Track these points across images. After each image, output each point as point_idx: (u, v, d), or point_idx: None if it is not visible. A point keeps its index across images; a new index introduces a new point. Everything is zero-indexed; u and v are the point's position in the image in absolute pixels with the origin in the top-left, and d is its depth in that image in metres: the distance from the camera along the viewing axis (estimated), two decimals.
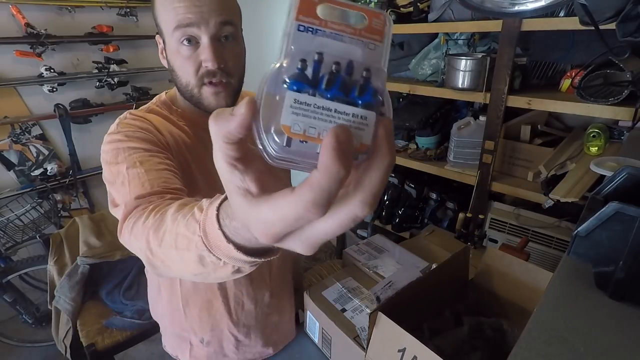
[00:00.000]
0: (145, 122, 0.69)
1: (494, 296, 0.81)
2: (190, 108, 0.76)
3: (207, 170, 0.73)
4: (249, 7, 2.66)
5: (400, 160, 1.93)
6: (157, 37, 0.71)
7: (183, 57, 0.66)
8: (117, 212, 0.60)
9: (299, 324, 0.97)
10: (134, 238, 0.51)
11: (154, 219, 0.48)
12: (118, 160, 0.63)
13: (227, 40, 0.67)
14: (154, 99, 0.80)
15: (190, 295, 0.79)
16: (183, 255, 0.40)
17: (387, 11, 1.79)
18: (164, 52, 0.71)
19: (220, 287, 0.79)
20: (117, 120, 0.70)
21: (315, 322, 0.84)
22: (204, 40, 0.64)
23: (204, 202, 0.38)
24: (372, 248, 1.01)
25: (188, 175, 0.70)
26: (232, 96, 0.71)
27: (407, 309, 0.75)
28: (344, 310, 0.80)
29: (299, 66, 0.23)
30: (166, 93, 0.81)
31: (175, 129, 0.72)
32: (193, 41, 0.65)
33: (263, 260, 0.33)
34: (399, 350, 0.62)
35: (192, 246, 0.37)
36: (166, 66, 0.72)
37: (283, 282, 0.89)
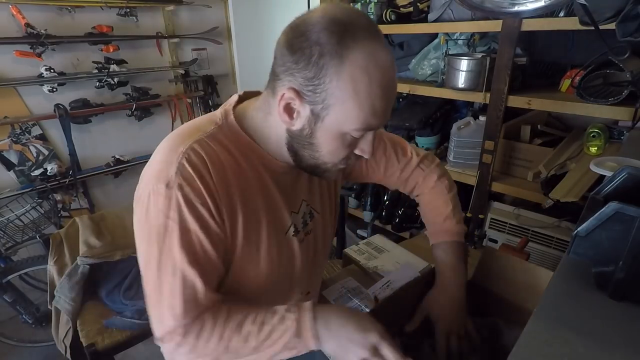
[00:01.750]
0: (208, 173, 0.58)
1: (493, 296, 0.81)
2: (267, 146, 0.64)
3: (254, 222, 0.65)
4: (249, 7, 2.66)
5: None
6: (291, 92, 0.55)
7: (342, 145, 0.59)
8: (161, 317, 0.59)
9: None
10: (202, 342, 0.58)
11: (230, 325, 0.59)
12: (166, 244, 0.57)
13: None
14: (219, 114, 0.65)
15: None
16: (268, 347, 0.57)
17: (387, 11, 1.80)
18: (298, 115, 0.57)
19: None
20: (175, 158, 0.57)
21: None
22: (370, 134, 0.60)
23: (286, 308, 0.59)
24: (372, 248, 1.01)
25: (236, 230, 0.63)
26: None
27: (405, 309, 0.75)
28: None
29: None
30: (234, 108, 0.66)
31: (236, 169, 0.62)
32: (361, 134, 0.59)
33: None
34: None
35: (286, 340, 0.57)
36: (289, 127, 0.59)
37: None
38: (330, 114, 0.55)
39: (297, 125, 0.58)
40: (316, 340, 0.57)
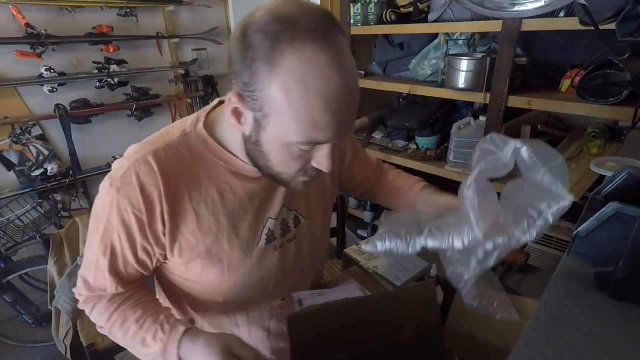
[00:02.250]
0: (152, 183, 0.59)
1: (472, 340, 0.74)
2: (237, 150, 0.63)
3: (215, 231, 0.65)
4: (249, 7, 2.67)
5: (401, 161, 1.93)
6: (234, 96, 0.53)
7: (291, 156, 0.55)
8: (85, 281, 0.68)
9: None
10: (95, 314, 0.69)
11: (117, 315, 0.67)
12: (94, 229, 0.64)
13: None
14: (190, 121, 0.64)
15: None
16: (140, 349, 0.65)
17: (387, 11, 1.80)
18: (242, 118, 0.55)
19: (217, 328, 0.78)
20: (127, 163, 0.59)
21: None
22: (325, 147, 0.54)
23: (164, 323, 0.64)
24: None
25: (183, 241, 0.64)
26: None
27: (334, 331, 0.64)
28: None
29: None
30: (208, 114, 0.65)
31: (195, 180, 0.62)
32: (312, 147, 0.54)
33: None
34: None
35: (153, 344, 0.63)
36: (240, 131, 0.57)
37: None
38: (270, 123, 0.51)
39: (246, 130, 0.56)
40: None
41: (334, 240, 1.64)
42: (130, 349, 0.68)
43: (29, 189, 1.94)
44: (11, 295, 1.72)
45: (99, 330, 0.70)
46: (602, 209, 0.45)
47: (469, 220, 0.51)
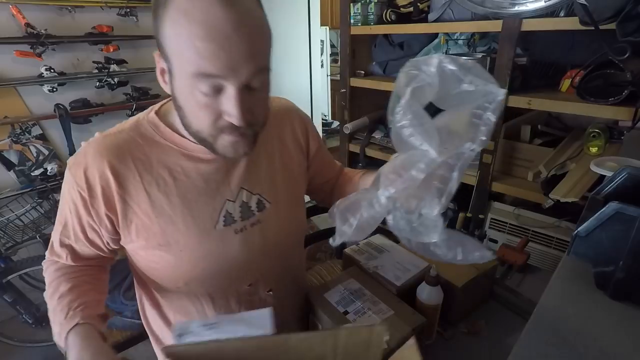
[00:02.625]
0: (102, 165, 0.62)
1: None
2: (185, 133, 0.65)
3: (167, 216, 0.66)
4: None
5: None
6: (157, 55, 0.57)
7: (197, 102, 0.55)
8: (50, 243, 0.74)
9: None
10: (45, 276, 0.74)
11: (54, 284, 0.71)
12: (60, 210, 0.70)
13: (257, 86, 0.56)
14: (143, 113, 0.69)
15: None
16: (53, 325, 0.68)
17: (387, 11, 1.80)
18: (165, 75, 0.58)
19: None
20: (85, 145, 0.65)
21: (317, 326, 0.84)
22: (230, 91, 0.53)
23: (73, 309, 0.66)
24: (372, 248, 1.00)
25: (132, 224, 0.66)
26: (252, 143, 0.62)
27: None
28: (346, 312, 0.79)
29: None
30: (161, 107, 0.69)
31: (146, 161, 0.65)
32: (214, 89, 0.53)
33: None
34: None
35: (56, 325, 0.67)
36: (167, 91, 0.60)
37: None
38: (174, 67, 0.54)
39: (168, 88, 0.59)
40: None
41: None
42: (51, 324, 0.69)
43: (29, 189, 1.94)
44: (11, 295, 1.72)
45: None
46: (602, 209, 0.45)
47: (417, 147, 0.48)
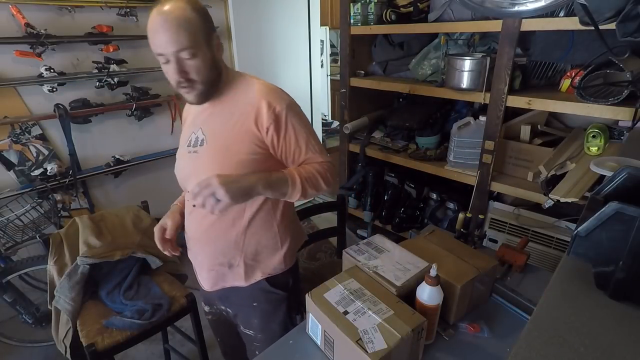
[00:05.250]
0: None
1: None
2: None
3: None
4: (249, 7, 2.66)
5: (400, 160, 1.93)
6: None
7: (164, 71, 0.88)
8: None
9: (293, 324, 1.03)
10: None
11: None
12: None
13: (188, 58, 0.84)
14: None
15: None
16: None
17: (387, 11, 1.80)
18: None
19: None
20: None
21: (317, 325, 0.84)
22: (171, 61, 0.84)
23: None
24: (372, 248, 1.00)
25: None
26: (200, 93, 0.90)
27: None
28: (346, 312, 0.79)
29: None
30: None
31: None
32: (164, 61, 0.85)
33: None
34: None
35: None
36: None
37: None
38: None
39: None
40: None
41: (334, 240, 1.64)
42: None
43: (29, 189, 1.93)
44: (11, 295, 1.72)
45: None
46: (602, 209, 0.45)
47: None
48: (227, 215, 0.98)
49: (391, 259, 0.95)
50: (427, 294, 0.81)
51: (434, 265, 0.81)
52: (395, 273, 0.90)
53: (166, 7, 0.82)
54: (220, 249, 1.01)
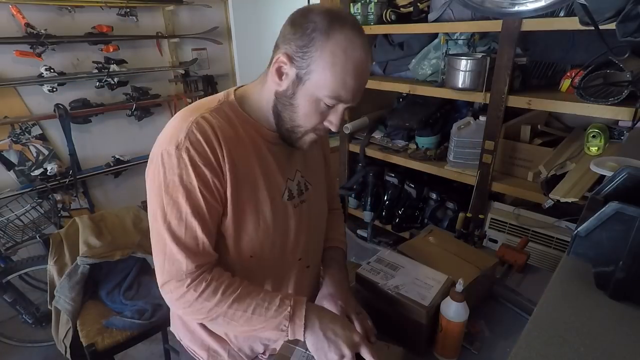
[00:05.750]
0: (216, 139, 0.69)
1: None
2: (259, 118, 0.76)
3: (253, 185, 0.75)
4: (249, 7, 2.66)
5: (400, 160, 1.93)
6: (285, 57, 0.67)
7: (315, 110, 0.70)
8: (163, 266, 0.69)
9: None
10: (203, 299, 0.68)
11: (236, 292, 0.70)
12: (173, 197, 0.67)
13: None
14: (221, 95, 0.77)
15: None
16: (260, 322, 0.69)
17: (387, 11, 1.80)
18: (284, 76, 0.70)
19: None
20: (186, 126, 0.68)
21: None
22: (340, 108, 0.71)
23: (286, 297, 0.71)
24: (385, 265, 0.92)
25: (238, 191, 0.73)
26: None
27: None
28: None
29: None
30: (235, 91, 0.79)
31: (237, 138, 0.73)
32: (333, 105, 0.70)
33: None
34: None
35: (278, 320, 0.68)
36: (279, 88, 0.71)
37: None
38: (310, 79, 0.67)
39: (284, 85, 0.70)
40: (304, 329, 0.68)
41: None
42: (247, 327, 0.70)
43: (29, 189, 1.94)
44: (11, 295, 1.72)
45: (206, 315, 0.70)
46: (602, 209, 0.45)
47: None
48: None
49: (409, 276, 0.88)
50: (453, 310, 0.77)
51: (460, 280, 0.77)
52: (419, 291, 0.83)
53: (368, 46, 0.68)
54: None
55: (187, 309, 0.70)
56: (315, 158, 0.90)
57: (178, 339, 0.96)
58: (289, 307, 0.68)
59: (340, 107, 0.70)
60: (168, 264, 0.68)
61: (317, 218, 0.90)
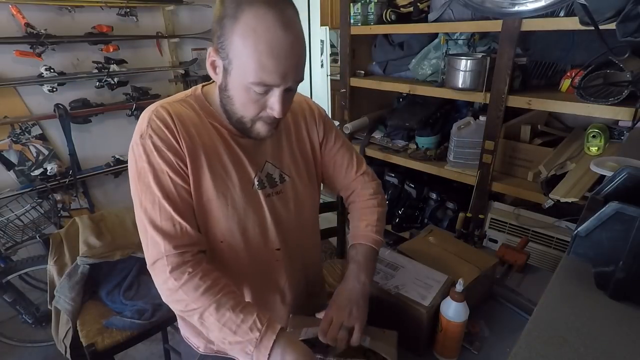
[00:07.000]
0: (173, 124, 0.70)
1: None
2: (221, 113, 0.77)
3: (220, 172, 0.75)
4: None
5: (400, 160, 1.93)
6: (213, 50, 0.67)
7: (250, 99, 0.68)
8: (147, 246, 0.71)
9: None
10: (183, 292, 0.67)
11: (215, 296, 0.67)
12: (145, 183, 0.70)
13: (291, 91, 0.70)
14: (189, 90, 0.79)
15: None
16: (229, 336, 0.66)
17: (387, 11, 1.80)
18: (217, 69, 0.69)
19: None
20: (147, 115, 0.70)
21: None
22: (276, 92, 0.67)
23: (260, 320, 0.66)
24: (385, 265, 0.93)
25: (200, 175, 0.73)
26: (275, 128, 0.75)
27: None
28: None
29: None
30: (203, 87, 0.80)
31: (202, 126, 0.75)
32: (265, 91, 0.67)
33: None
34: None
35: (244, 341, 0.65)
36: (217, 81, 0.72)
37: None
38: (233, 68, 0.65)
39: (219, 79, 0.70)
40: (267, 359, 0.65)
41: (334, 240, 1.64)
42: (210, 330, 0.68)
43: (29, 189, 1.94)
44: (11, 295, 1.72)
45: (184, 308, 0.69)
46: (602, 209, 0.45)
47: None
48: None
49: (409, 276, 0.89)
50: (452, 310, 0.77)
51: (460, 280, 0.77)
52: (419, 291, 0.84)
53: (287, 19, 0.62)
54: None
55: (169, 297, 0.70)
56: (293, 150, 0.86)
57: (179, 327, 0.96)
58: (258, 333, 0.65)
59: (276, 91, 0.66)
60: (150, 247, 0.70)
61: (299, 210, 0.86)
